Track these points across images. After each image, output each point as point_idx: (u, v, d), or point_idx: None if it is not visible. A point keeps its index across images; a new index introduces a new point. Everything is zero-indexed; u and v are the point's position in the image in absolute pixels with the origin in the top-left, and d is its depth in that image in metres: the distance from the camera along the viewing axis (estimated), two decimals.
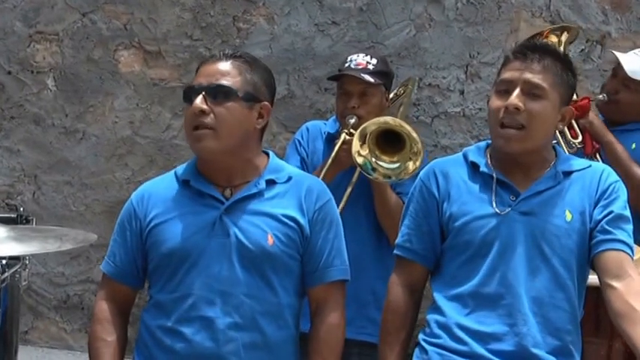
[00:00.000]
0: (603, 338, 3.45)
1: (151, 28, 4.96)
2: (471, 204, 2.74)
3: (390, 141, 3.49)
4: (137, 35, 4.98)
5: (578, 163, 2.83)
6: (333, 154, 3.53)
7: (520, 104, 2.67)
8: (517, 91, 2.69)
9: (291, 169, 2.86)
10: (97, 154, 5.02)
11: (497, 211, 2.71)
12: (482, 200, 2.74)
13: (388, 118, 3.52)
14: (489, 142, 2.88)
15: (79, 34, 5.02)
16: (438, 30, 4.76)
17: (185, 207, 2.73)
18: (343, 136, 3.55)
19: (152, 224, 2.74)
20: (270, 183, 2.74)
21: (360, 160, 3.47)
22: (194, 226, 2.69)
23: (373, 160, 3.48)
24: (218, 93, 2.67)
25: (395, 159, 3.48)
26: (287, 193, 2.74)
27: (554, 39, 3.83)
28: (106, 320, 2.78)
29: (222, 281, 2.65)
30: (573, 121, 3.71)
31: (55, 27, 5.04)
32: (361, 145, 3.47)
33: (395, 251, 2.90)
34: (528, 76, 2.70)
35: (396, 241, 2.90)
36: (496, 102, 2.73)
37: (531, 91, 2.69)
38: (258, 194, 2.72)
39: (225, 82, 2.69)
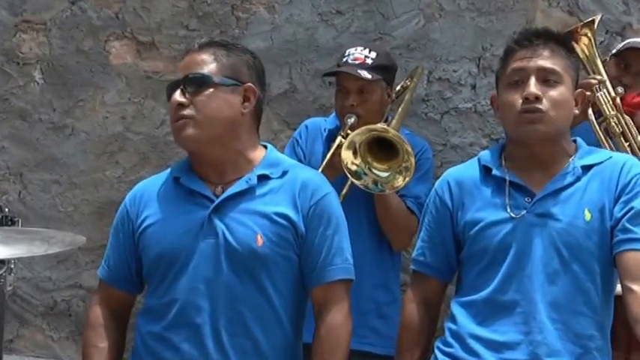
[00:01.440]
0: (619, 351, 3.44)
1: (144, 17, 4.96)
2: (485, 210, 2.75)
3: (383, 147, 3.49)
4: (129, 25, 4.97)
5: (599, 155, 2.82)
6: (327, 158, 3.52)
7: (539, 92, 2.68)
8: (533, 79, 2.70)
9: (289, 162, 2.86)
10: (86, 151, 5.02)
11: (512, 215, 2.71)
12: (495, 205, 2.74)
13: (376, 126, 3.51)
14: (504, 141, 2.89)
15: (67, 24, 5.01)
16: (448, 20, 4.75)
17: (175, 207, 2.75)
18: (339, 139, 3.54)
19: (143, 226, 2.77)
20: (263, 178, 2.75)
21: (353, 168, 3.46)
22: (183, 227, 2.70)
23: (367, 167, 3.47)
24: (194, 83, 2.71)
25: (386, 166, 3.48)
26: (280, 189, 2.74)
27: (586, 36, 3.83)
28: (99, 325, 2.82)
29: (210, 285, 2.66)
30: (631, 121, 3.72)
31: (43, 16, 5.03)
32: (354, 156, 3.47)
33: (411, 266, 2.93)
34: (540, 62, 2.72)
35: (413, 255, 2.93)
36: (510, 95, 2.74)
37: (547, 78, 2.72)
38: (250, 191, 2.73)
39: (199, 70, 2.72)
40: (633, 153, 3.51)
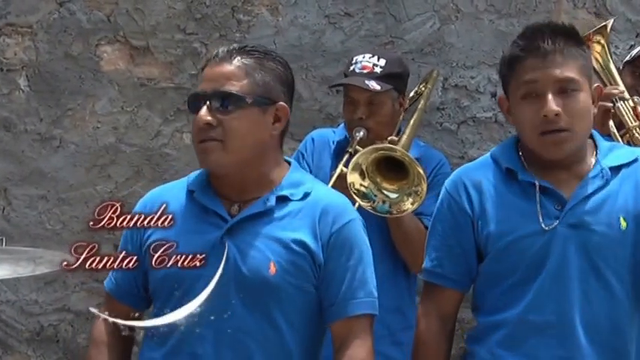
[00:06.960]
0: None
1: (137, 19, 4.98)
2: (513, 221, 2.75)
3: (392, 166, 3.49)
4: (122, 28, 5.00)
5: (623, 153, 2.83)
6: (334, 177, 3.52)
7: (558, 109, 2.67)
8: (550, 95, 2.68)
9: (312, 182, 2.84)
10: (75, 164, 5.03)
11: (544, 226, 2.71)
12: (524, 215, 2.74)
13: (383, 145, 3.52)
14: (515, 137, 2.87)
15: (55, 27, 5.03)
16: (465, 23, 4.78)
17: (188, 224, 2.74)
18: (347, 156, 3.55)
19: (151, 240, 2.75)
20: (283, 200, 2.74)
21: (362, 189, 3.47)
22: (192, 248, 2.67)
23: (376, 188, 3.48)
24: (224, 101, 2.67)
25: (396, 187, 3.49)
26: (300, 213, 2.74)
27: (599, 43, 3.82)
28: (102, 343, 2.85)
29: (215, 313, 2.66)
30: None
31: (28, 18, 5.05)
32: (361, 177, 3.47)
33: (423, 277, 2.92)
34: (555, 72, 2.69)
35: (424, 265, 2.91)
36: (526, 110, 2.72)
37: (565, 87, 2.69)
38: (267, 213, 2.72)
39: (230, 87, 2.68)
40: None
